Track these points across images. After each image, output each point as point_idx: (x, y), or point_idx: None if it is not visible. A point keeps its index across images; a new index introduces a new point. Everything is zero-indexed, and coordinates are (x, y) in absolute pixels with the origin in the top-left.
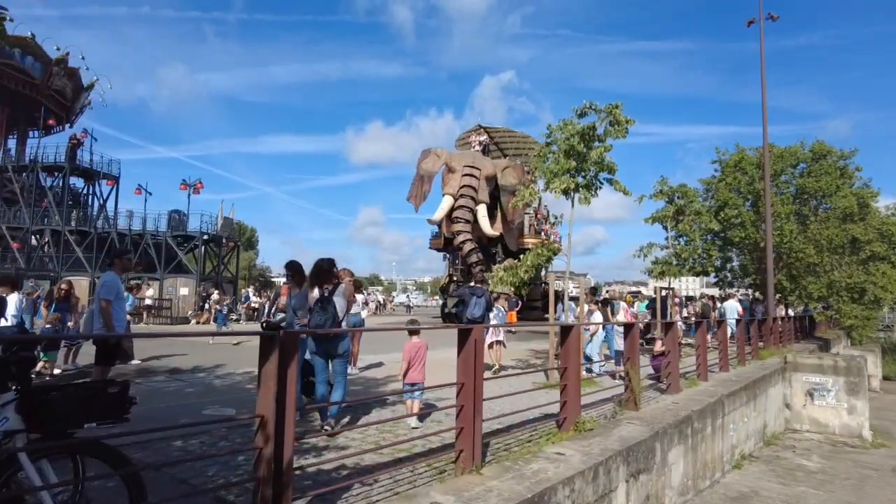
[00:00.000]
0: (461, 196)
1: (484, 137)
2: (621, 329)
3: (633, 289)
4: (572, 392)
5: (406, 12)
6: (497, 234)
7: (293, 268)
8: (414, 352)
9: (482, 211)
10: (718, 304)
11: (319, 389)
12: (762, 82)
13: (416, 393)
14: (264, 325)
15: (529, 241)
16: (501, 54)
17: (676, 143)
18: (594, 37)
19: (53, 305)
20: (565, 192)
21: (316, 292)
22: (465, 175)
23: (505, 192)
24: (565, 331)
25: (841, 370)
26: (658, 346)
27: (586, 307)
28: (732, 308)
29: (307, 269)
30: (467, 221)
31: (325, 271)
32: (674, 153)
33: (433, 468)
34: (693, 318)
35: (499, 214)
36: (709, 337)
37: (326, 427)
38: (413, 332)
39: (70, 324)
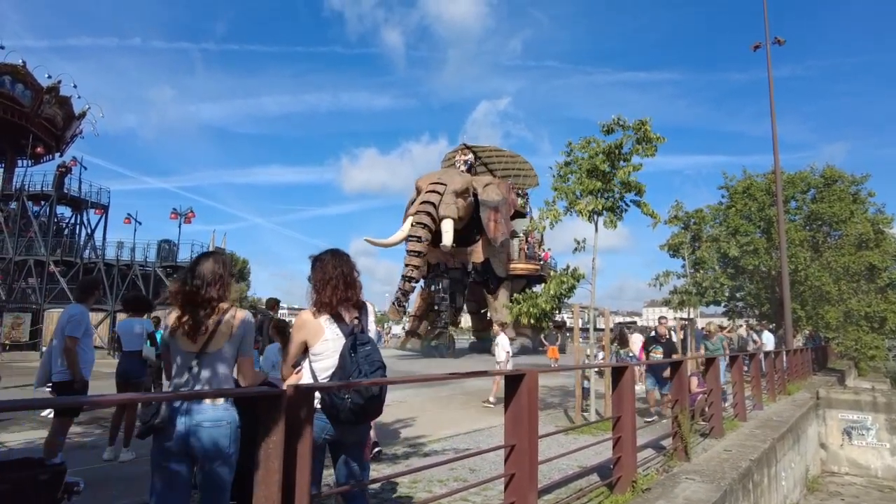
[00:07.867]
0: (416, 213)
1: (469, 157)
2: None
3: (629, 319)
4: (628, 445)
5: (397, 38)
6: (481, 259)
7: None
8: None
9: (446, 225)
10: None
11: None
12: (771, 108)
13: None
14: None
15: (520, 267)
16: (491, 85)
17: (673, 172)
18: (581, 68)
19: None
20: (589, 216)
21: (333, 326)
22: (427, 192)
23: (486, 207)
24: (618, 372)
25: (881, 406)
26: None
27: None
28: (769, 339)
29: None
30: (419, 240)
31: (351, 280)
32: (671, 181)
33: None
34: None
35: (482, 240)
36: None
37: None
38: None
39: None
